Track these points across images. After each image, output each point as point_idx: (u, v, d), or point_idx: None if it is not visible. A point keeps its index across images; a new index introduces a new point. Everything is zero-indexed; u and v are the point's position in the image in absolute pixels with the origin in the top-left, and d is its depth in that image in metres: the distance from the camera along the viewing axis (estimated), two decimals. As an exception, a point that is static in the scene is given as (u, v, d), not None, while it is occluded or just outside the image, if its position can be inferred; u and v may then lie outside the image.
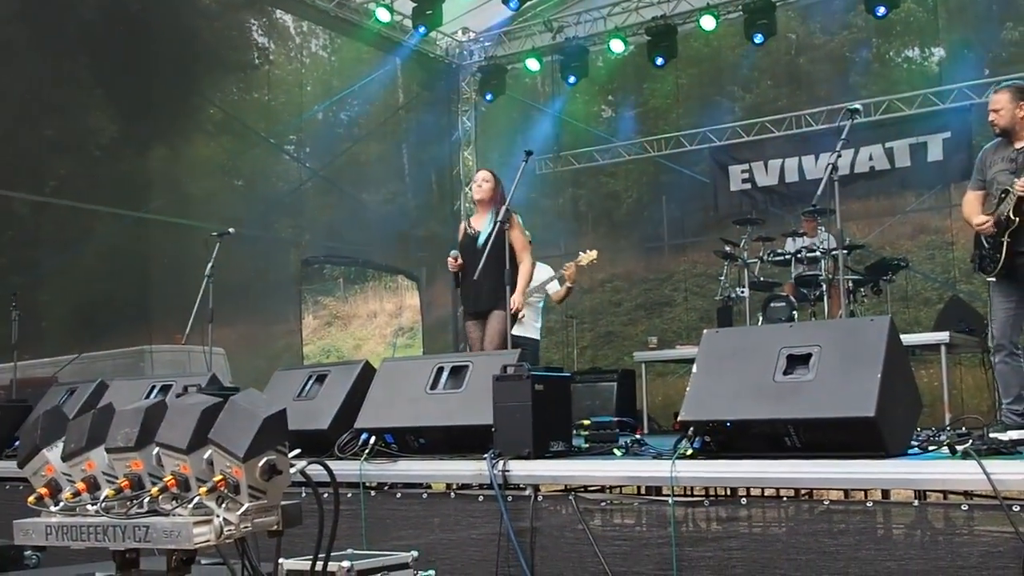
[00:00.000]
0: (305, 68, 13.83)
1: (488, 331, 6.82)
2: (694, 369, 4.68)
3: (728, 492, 4.83)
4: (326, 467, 3.06)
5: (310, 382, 5.77)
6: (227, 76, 12.40)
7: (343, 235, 12.99)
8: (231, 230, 7.74)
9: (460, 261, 6.91)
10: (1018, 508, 3.55)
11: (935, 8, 12.52)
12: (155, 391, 6.10)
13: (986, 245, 5.75)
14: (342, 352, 13.24)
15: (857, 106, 6.18)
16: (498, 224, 6.36)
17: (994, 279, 5.74)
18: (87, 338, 9.85)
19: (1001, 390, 5.71)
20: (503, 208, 6.36)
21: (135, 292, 10.49)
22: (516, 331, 7.61)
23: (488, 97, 13.90)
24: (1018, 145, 5.68)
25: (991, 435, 4.47)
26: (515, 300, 6.56)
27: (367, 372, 5.66)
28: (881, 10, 11.34)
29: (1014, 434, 4.51)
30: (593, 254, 8.13)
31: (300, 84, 13.56)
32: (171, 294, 10.06)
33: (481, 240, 6.74)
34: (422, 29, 12.23)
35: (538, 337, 8.45)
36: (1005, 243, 5.59)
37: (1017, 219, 5.52)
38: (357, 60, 13.90)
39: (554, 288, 8.51)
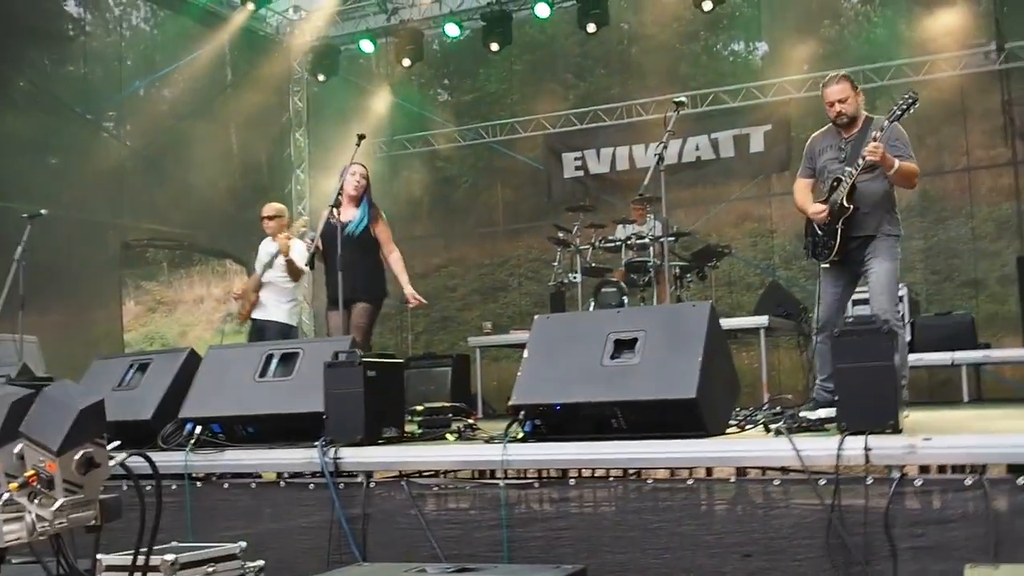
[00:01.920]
0: (125, 41, 13.20)
1: (353, 322, 6.97)
2: (525, 354, 4.76)
3: (559, 474, 4.93)
4: (147, 458, 2.95)
5: (131, 371, 5.56)
6: (38, 47, 11.71)
7: (167, 217, 12.47)
8: (43, 211, 7.36)
9: (320, 247, 6.97)
10: (824, 481, 3.76)
11: (759, 4, 13.01)
12: (-43, 383, 5.74)
13: (819, 232, 5.95)
14: (167, 339, 12.75)
15: (682, 99, 6.40)
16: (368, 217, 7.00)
17: (827, 265, 5.96)
18: None
19: (818, 367, 5.98)
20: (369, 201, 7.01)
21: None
22: (258, 315, 8.11)
23: (321, 78, 13.66)
24: (847, 135, 5.91)
25: (802, 414, 4.73)
26: (410, 292, 7.16)
27: (192, 360, 5.50)
28: (707, 5, 11.74)
29: (822, 412, 4.77)
30: (303, 220, 8.28)
31: (120, 58, 12.94)
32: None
33: (349, 231, 7.01)
34: (251, 6, 11.87)
35: (286, 320, 8.22)
36: (839, 230, 5.80)
37: (851, 207, 5.74)
38: (182, 35, 13.34)
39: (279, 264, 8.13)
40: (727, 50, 14.05)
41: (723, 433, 4.45)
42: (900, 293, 9.54)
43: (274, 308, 8.17)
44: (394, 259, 7.28)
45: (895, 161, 5.61)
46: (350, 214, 7.17)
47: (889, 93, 11.92)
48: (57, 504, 2.71)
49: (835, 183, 5.84)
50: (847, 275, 5.96)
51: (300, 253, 7.73)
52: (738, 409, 5.25)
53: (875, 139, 5.56)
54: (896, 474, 3.71)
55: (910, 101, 5.65)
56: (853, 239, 5.81)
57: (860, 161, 5.65)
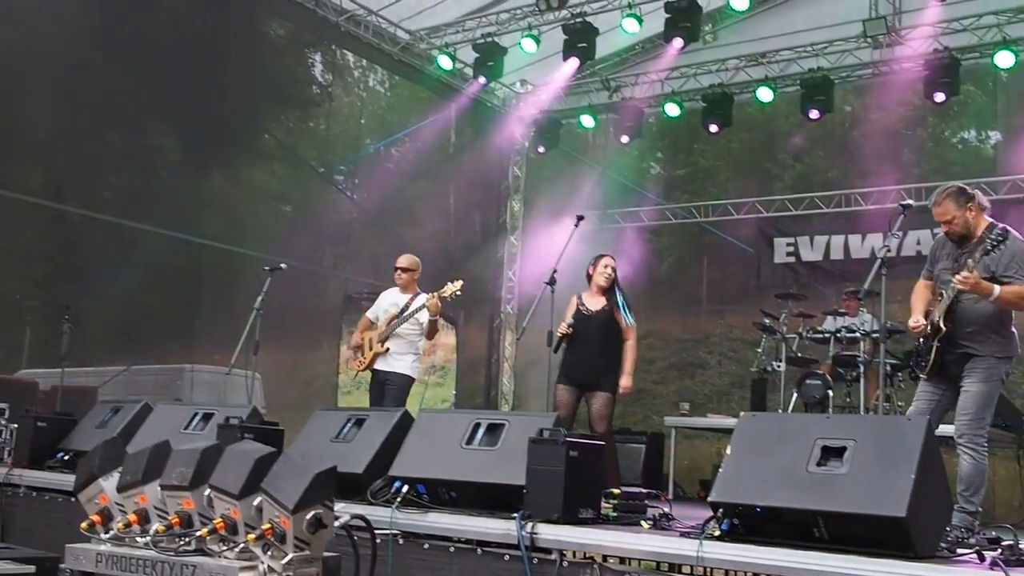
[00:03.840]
0: (362, 102, 14.07)
1: (594, 409, 7.46)
2: (728, 450, 4.73)
3: (751, 576, 4.85)
4: (367, 525, 3.16)
5: (348, 424, 5.86)
6: (286, 106, 12.66)
7: (386, 271, 13.10)
8: (283, 265, 7.86)
9: (571, 330, 7.51)
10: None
11: (995, 92, 12.48)
12: (197, 419, 6.23)
13: (920, 344, 5.81)
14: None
15: (909, 202, 6.25)
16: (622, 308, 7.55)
17: (924, 378, 5.78)
18: (130, 352, 10.03)
19: None
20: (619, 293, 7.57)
21: (180, 311, 10.68)
22: (381, 365, 8.11)
23: (541, 149, 14.09)
24: (963, 247, 5.71)
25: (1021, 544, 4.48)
26: (624, 383, 7.53)
27: (405, 420, 5.76)
28: (939, 96, 11.38)
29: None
30: (458, 284, 7.95)
31: (356, 117, 13.79)
32: (215, 316, 10.25)
33: (594, 319, 7.52)
34: (483, 79, 12.41)
35: (409, 374, 8.23)
36: (935, 347, 5.63)
37: (947, 327, 5.57)
38: (414, 99, 14.12)
39: (424, 316, 8.16)
40: (956, 137, 13.52)
41: (933, 555, 4.27)
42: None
43: (400, 361, 8.15)
44: (628, 349, 7.61)
45: (993, 289, 5.41)
46: (594, 302, 7.62)
47: None
48: (288, 558, 2.95)
49: (940, 297, 5.67)
50: (944, 388, 5.72)
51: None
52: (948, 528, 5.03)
53: (971, 267, 5.40)
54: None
55: (1000, 239, 5.45)
56: (951, 354, 5.61)
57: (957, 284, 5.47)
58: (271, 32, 12.42)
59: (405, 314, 8.13)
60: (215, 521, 3.02)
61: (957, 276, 5.49)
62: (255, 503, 3.02)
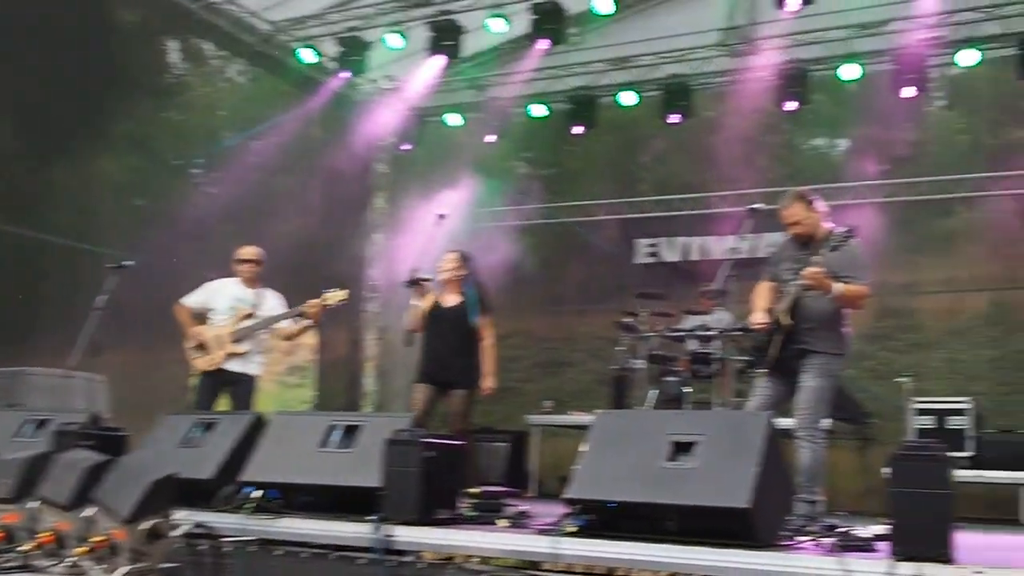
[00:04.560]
0: (221, 93, 13.64)
1: (451, 407, 7.32)
2: (584, 447, 4.80)
3: (607, 572, 4.90)
4: (211, 535, 3.05)
5: (197, 429, 5.68)
6: (139, 97, 12.17)
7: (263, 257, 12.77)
8: (129, 262, 7.47)
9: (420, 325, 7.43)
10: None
11: (843, 102, 12.97)
12: (29, 425, 5.88)
13: (760, 340, 6.04)
14: (250, 384, 12.98)
15: (758, 206, 6.47)
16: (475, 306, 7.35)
17: (764, 372, 6.03)
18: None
19: None
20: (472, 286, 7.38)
21: (18, 311, 10.09)
22: (233, 366, 7.71)
23: (407, 146, 14.01)
24: (808, 249, 5.95)
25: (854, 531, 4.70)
26: (487, 384, 7.40)
27: (257, 424, 5.62)
28: (790, 105, 11.83)
29: (876, 529, 4.72)
30: (343, 293, 7.65)
31: (214, 109, 13.36)
32: (59, 316, 9.75)
33: (447, 316, 7.38)
34: (347, 74, 12.23)
35: (258, 374, 7.98)
36: (775, 341, 5.88)
37: (789, 322, 5.82)
38: (276, 92, 13.78)
39: (285, 323, 7.91)
40: (807, 144, 14.01)
41: (775, 544, 4.42)
42: (964, 406, 9.49)
43: (252, 362, 7.81)
44: (485, 347, 7.46)
45: (833, 286, 5.66)
46: (450, 299, 7.49)
47: (968, 204, 11.88)
48: (121, 571, 2.81)
49: (782, 295, 5.91)
50: (783, 383, 5.96)
51: (276, 309, 7.79)
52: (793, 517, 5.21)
53: (818, 263, 5.64)
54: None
55: (846, 237, 5.70)
56: (790, 349, 5.84)
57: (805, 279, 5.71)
58: (121, 18, 11.90)
59: (272, 317, 7.77)
60: (41, 535, 2.86)
61: (805, 271, 5.66)
62: (87, 514, 2.87)
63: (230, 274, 8.01)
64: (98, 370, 7.57)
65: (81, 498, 2.84)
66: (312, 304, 7.52)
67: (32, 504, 2.91)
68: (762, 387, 6.03)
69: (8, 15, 9.77)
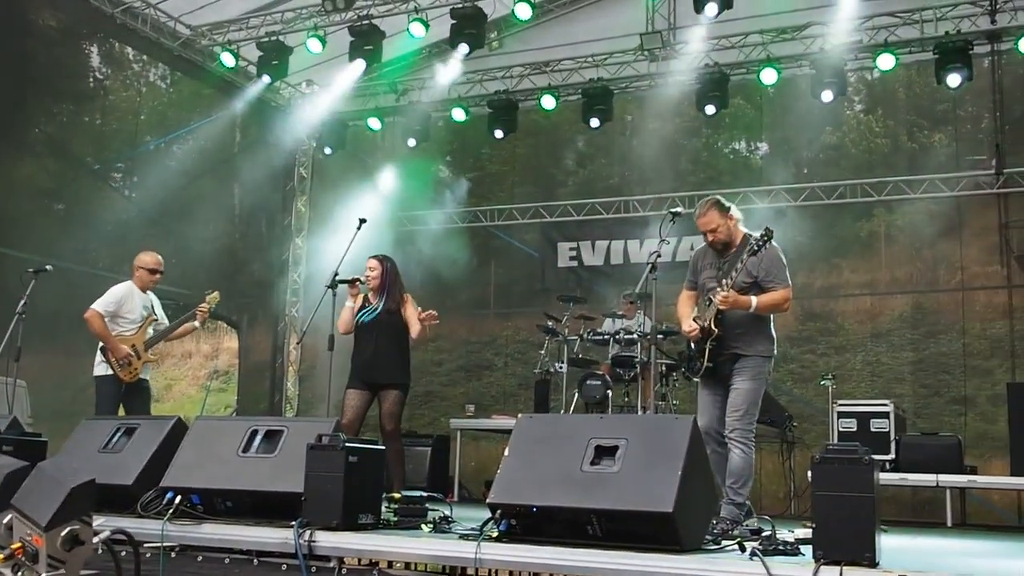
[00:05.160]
0: (141, 97, 13.43)
1: (385, 407, 7.42)
2: (506, 452, 4.83)
3: None
4: (131, 540, 3.03)
5: (118, 434, 5.61)
6: (59, 100, 11.94)
7: (165, 272, 12.59)
8: (48, 267, 7.46)
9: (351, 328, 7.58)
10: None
11: (762, 106, 13.22)
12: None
13: (691, 348, 6.17)
14: (152, 391, 12.78)
15: (678, 210, 6.59)
16: (389, 306, 7.47)
17: (699, 379, 6.16)
18: None
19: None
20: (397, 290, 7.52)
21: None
22: (143, 374, 7.94)
23: (328, 150, 13.96)
24: (724, 256, 6.11)
25: (779, 535, 4.77)
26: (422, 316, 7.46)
27: (178, 429, 5.57)
28: (710, 109, 12.04)
29: (800, 532, 4.82)
30: (216, 294, 8.17)
31: (135, 113, 13.15)
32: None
33: (374, 317, 7.49)
34: (267, 78, 12.13)
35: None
36: (707, 349, 6.00)
37: (717, 330, 5.95)
38: (196, 96, 13.63)
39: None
40: (727, 148, 14.22)
41: (699, 548, 4.49)
42: (886, 409, 9.69)
43: (149, 369, 8.05)
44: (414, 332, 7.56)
45: (750, 301, 5.84)
46: (375, 301, 7.63)
47: (888, 207, 12.20)
48: (40, 580, 2.78)
49: (708, 303, 6.04)
50: (720, 388, 6.09)
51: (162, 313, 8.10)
52: (715, 522, 5.31)
53: (727, 286, 5.80)
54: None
55: (766, 239, 5.84)
56: (722, 355, 5.99)
57: (720, 292, 5.84)
58: (41, 22, 11.66)
59: (173, 324, 8.07)
60: (-44, 544, 2.82)
61: (716, 297, 5.81)
62: (4, 521, 2.83)
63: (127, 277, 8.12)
64: (17, 375, 7.46)
65: (-1, 505, 2.80)
66: (202, 308, 7.98)
67: (-54, 513, 2.85)
68: (706, 398, 6.12)
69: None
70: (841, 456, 4.06)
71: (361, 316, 7.55)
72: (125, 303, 7.84)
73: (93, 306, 7.71)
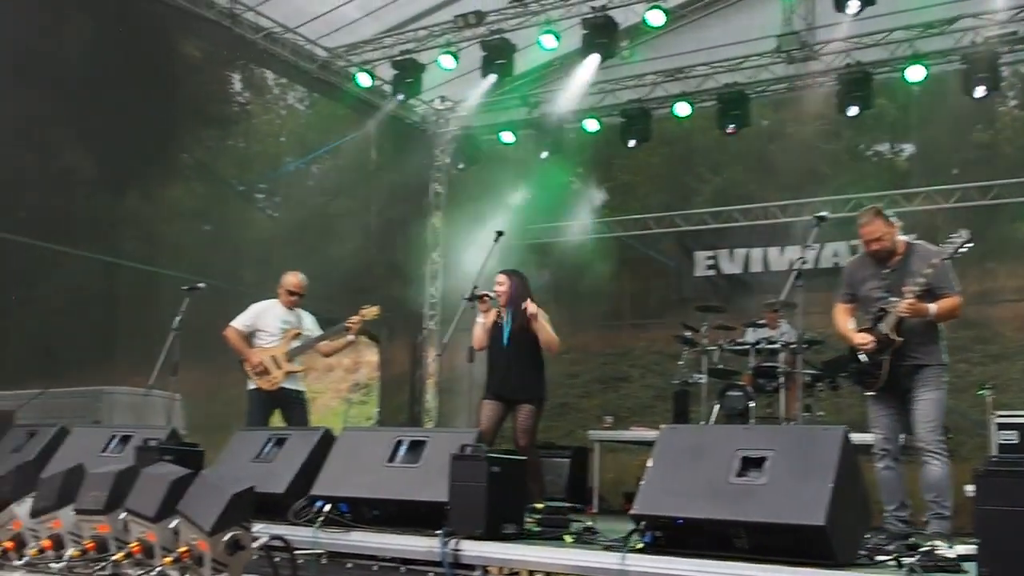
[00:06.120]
0: (282, 120, 13.93)
1: (518, 422, 7.37)
2: (649, 463, 4.78)
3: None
4: (287, 545, 3.12)
5: (269, 445, 5.80)
6: (206, 126, 12.50)
7: (309, 289, 13.01)
8: (202, 284, 7.81)
9: (485, 344, 7.56)
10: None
11: (907, 105, 12.75)
12: (115, 441, 6.08)
13: (863, 360, 5.95)
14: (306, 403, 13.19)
15: (824, 214, 6.41)
16: (521, 321, 7.33)
17: (874, 393, 5.95)
18: (46, 374, 9.75)
19: (884, 497, 5.90)
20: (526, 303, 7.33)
21: (98, 333, 10.43)
22: (288, 384, 8.14)
23: (461, 166, 14.12)
24: (889, 265, 5.92)
25: (939, 551, 4.57)
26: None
27: (326, 439, 5.72)
28: (852, 110, 11.61)
29: (961, 549, 4.63)
30: (376, 309, 8.21)
31: (276, 135, 13.64)
32: (134, 337, 10.03)
33: (506, 334, 7.46)
34: (401, 96, 12.38)
35: (305, 388, 8.48)
36: (886, 360, 5.81)
37: (899, 339, 5.76)
38: (333, 116, 14.03)
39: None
40: (871, 150, 13.77)
41: (853, 563, 4.34)
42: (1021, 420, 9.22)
43: (300, 379, 8.30)
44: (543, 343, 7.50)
45: (929, 309, 5.68)
46: (509, 317, 7.57)
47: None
48: (205, 582, 2.89)
49: (881, 313, 5.82)
50: (896, 401, 5.92)
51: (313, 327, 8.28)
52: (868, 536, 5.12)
53: (919, 282, 5.64)
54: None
55: (966, 243, 5.66)
56: (902, 366, 5.81)
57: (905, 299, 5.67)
58: (187, 51, 12.24)
59: (319, 336, 8.31)
60: (131, 545, 2.96)
61: (900, 305, 5.66)
62: (172, 526, 2.96)
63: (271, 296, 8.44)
64: (174, 388, 7.85)
65: (166, 510, 2.92)
66: (352, 320, 8.11)
67: (121, 515, 3.00)
68: (882, 411, 5.98)
69: (85, 55, 10.11)
70: (1008, 468, 3.86)
71: (494, 331, 7.56)
72: (261, 318, 8.21)
73: (232, 322, 8.13)
